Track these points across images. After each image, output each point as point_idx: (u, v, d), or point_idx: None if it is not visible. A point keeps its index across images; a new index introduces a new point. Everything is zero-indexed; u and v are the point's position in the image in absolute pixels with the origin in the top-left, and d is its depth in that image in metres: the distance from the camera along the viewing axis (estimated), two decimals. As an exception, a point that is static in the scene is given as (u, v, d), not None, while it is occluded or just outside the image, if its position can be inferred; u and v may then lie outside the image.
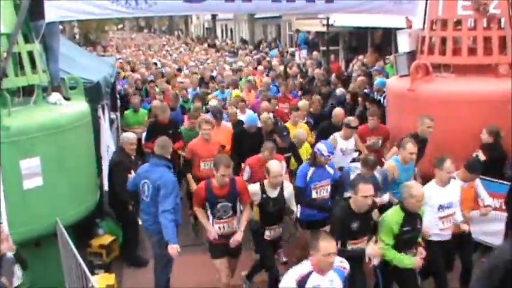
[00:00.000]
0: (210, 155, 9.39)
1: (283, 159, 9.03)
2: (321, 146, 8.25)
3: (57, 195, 7.80)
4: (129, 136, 9.43)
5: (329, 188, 8.37)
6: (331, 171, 8.39)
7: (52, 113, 8.04)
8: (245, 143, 10.31)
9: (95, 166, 9.12)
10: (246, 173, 8.88)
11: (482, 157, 8.94)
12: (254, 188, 7.64)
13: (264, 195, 7.55)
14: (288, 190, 7.77)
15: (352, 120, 10.08)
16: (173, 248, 7.12)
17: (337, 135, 9.93)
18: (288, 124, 11.00)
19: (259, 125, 10.95)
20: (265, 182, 7.60)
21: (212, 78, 20.08)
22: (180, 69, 25.02)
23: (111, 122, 11.90)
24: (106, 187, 9.53)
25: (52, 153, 7.78)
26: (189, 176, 9.87)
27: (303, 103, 12.79)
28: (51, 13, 8.64)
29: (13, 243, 6.25)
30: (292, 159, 9.96)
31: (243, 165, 9.27)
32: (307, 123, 11.97)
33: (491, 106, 9.21)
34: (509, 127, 8.98)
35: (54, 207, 7.72)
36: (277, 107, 13.13)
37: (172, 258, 7.50)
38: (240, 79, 18.99)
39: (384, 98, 12.79)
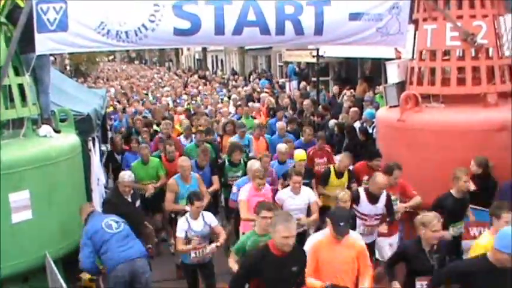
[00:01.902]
0: None
1: None
2: None
3: (46, 229, 7.75)
4: (125, 177, 9.06)
5: None
6: None
7: (42, 145, 8.02)
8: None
9: (85, 199, 9.07)
10: None
11: (472, 187, 8.96)
12: None
13: None
14: None
15: None
16: None
17: None
18: None
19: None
20: None
21: (206, 115, 18.01)
22: (175, 101, 24.25)
23: (102, 154, 11.87)
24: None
25: (42, 186, 7.74)
26: None
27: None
28: (42, 46, 8.66)
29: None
30: None
31: None
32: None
33: (480, 135, 9.26)
34: (498, 156, 9.02)
35: (43, 240, 7.66)
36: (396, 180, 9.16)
37: None
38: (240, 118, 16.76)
39: (373, 129, 12.87)
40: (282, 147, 11.12)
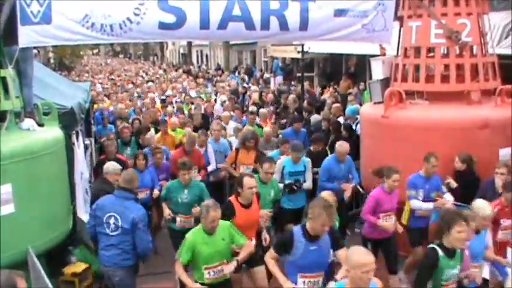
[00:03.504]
0: None
1: None
2: None
3: (29, 223, 7.67)
4: (109, 168, 9.01)
5: None
6: None
7: (25, 139, 7.94)
8: None
9: (68, 193, 9.00)
10: None
11: (453, 184, 9.02)
12: None
13: None
14: None
15: None
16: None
17: None
18: None
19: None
20: None
21: (204, 118, 15.60)
22: (164, 100, 22.40)
23: (85, 148, 11.79)
24: (79, 214, 9.40)
25: (24, 180, 7.66)
26: None
27: None
28: (25, 38, 8.59)
29: None
30: None
31: None
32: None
33: (463, 133, 9.31)
34: (481, 153, 9.08)
35: (26, 235, 7.58)
36: None
37: None
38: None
39: (356, 125, 12.90)
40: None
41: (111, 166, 9.21)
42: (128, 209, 7.38)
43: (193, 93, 25.39)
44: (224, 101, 20.18)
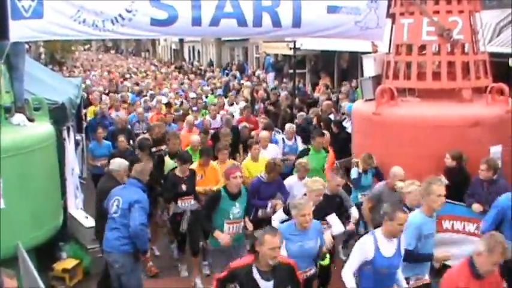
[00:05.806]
0: None
1: None
2: None
3: (19, 218, 7.66)
4: (121, 166, 8.51)
5: None
6: None
7: (15, 134, 7.92)
8: None
9: (58, 189, 8.98)
10: None
11: (444, 181, 9.02)
12: None
13: None
14: None
15: None
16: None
17: None
18: None
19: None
20: None
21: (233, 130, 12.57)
22: (169, 104, 18.70)
23: (76, 144, 11.74)
24: (70, 209, 9.37)
25: (15, 175, 7.64)
26: None
27: None
28: (16, 33, 8.52)
29: None
30: None
31: None
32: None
33: (454, 130, 9.34)
34: (471, 151, 9.10)
35: (16, 230, 7.57)
36: None
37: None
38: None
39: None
40: None
41: (122, 165, 8.86)
42: (132, 192, 7.50)
43: (192, 95, 21.46)
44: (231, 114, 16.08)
